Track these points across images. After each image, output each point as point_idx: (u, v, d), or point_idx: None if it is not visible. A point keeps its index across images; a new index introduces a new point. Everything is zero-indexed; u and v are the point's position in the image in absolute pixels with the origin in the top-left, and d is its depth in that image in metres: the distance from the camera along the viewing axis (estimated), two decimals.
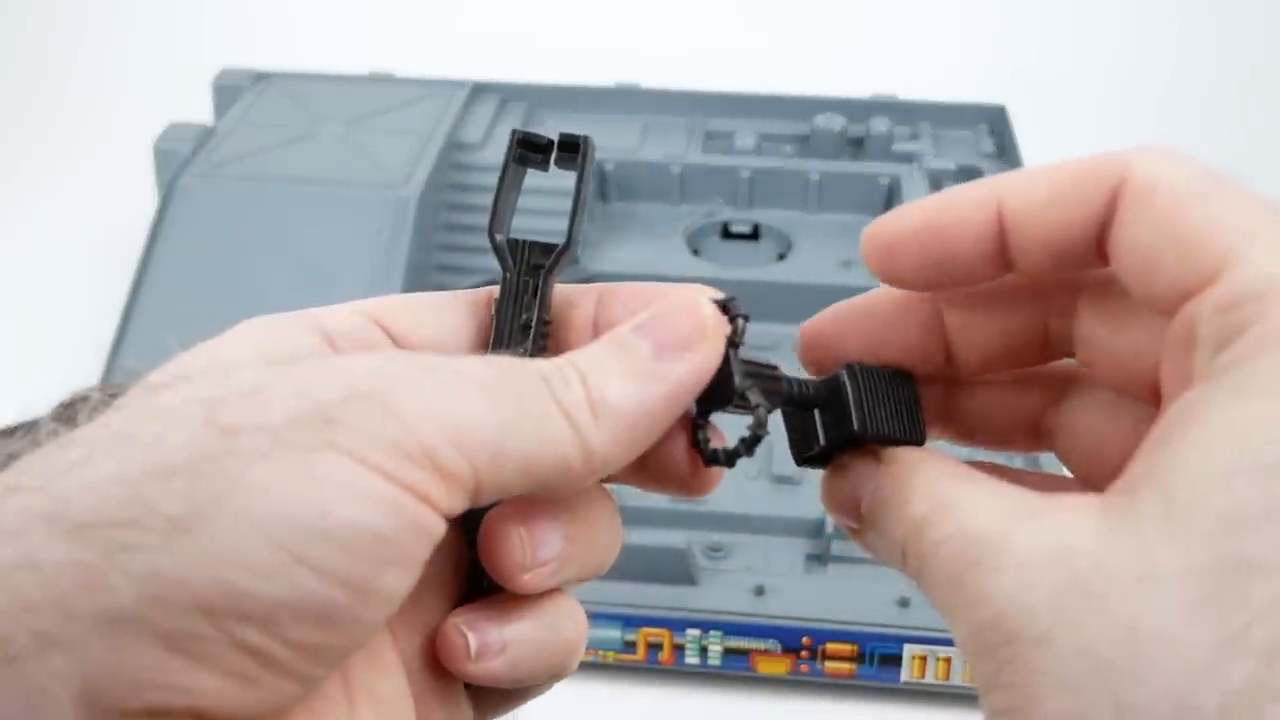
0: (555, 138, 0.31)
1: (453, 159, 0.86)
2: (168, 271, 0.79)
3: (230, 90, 0.94)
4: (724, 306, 0.28)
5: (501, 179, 0.31)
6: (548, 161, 0.31)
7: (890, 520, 0.27)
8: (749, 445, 0.29)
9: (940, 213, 0.28)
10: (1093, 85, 1.20)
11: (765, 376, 0.29)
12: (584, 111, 0.95)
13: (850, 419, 0.29)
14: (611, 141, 0.91)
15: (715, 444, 0.29)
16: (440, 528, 0.25)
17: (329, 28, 1.26)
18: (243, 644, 0.23)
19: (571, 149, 0.31)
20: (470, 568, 0.30)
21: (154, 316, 0.77)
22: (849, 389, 0.29)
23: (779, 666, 0.64)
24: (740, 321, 0.29)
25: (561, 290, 0.31)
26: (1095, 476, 0.29)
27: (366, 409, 0.24)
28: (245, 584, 0.23)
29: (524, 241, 0.30)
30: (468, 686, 0.30)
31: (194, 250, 0.80)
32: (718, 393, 0.28)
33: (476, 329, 0.31)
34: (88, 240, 0.98)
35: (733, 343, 0.29)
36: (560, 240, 0.30)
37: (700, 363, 0.27)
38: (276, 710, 0.24)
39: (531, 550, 0.28)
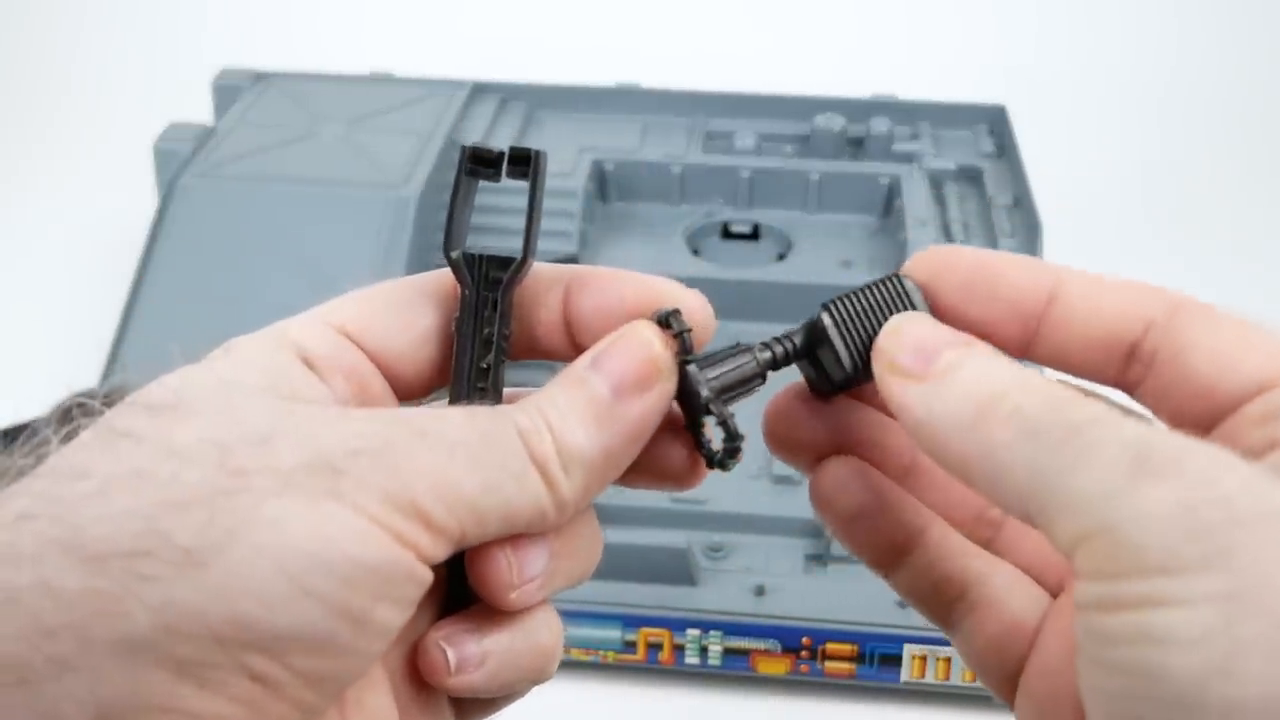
0: (506, 150, 0.31)
1: (453, 159, 0.85)
2: (168, 271, 0.79)
3: (230, 90, 0.94)
4: (665, 323, 0.29)
5: (454, 194, 0.31)
6: (499, 174, 0.31)
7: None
8: (729, 455, 0.29)
9: (998, 259, 0.29)
10: (1093, 85, 1.20)
11: (733, 366, 0.30)
12: (584, 111, 0.95)
13: (841, 362, 0.29)
14: (611, 141, 0.91)
15: (715, 445, 0.30)
16: (428, 575, 0.26)
17: (329, 28, 1.26)
18: (251, 671, 0.24)
19: (523, 162, 0.31)
20: (448, 583, 0.30)
21: (154, 316, 0.77)
22: (830, 330, 0.29)
23: (779, 666, 0.64)
24: (685, 337, 0.29)
25: (525, 284, 0.31)
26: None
27: (370, 465, 0.26)
28: (257, 614, 0.24)
29: (481, 256, 0.30)
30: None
31: (194, 250, 0.80)
32: (688, 408, 0.29)
33: (443, 326, 0.31)
34: (88, 240, 0.98)
35: (686, 359, 0.29)
36: (517, 254, 0.30)
37: (655, 401, 0.29)
38: None
39: (519, 570, 0.29)
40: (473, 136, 0.88)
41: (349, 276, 0.86)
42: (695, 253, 0.85)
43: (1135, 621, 0.22)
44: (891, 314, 0.29)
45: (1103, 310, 0.28)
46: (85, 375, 0.75)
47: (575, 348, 0.31)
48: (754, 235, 0.87)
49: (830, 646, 0.63)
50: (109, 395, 0.27)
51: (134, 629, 0.23)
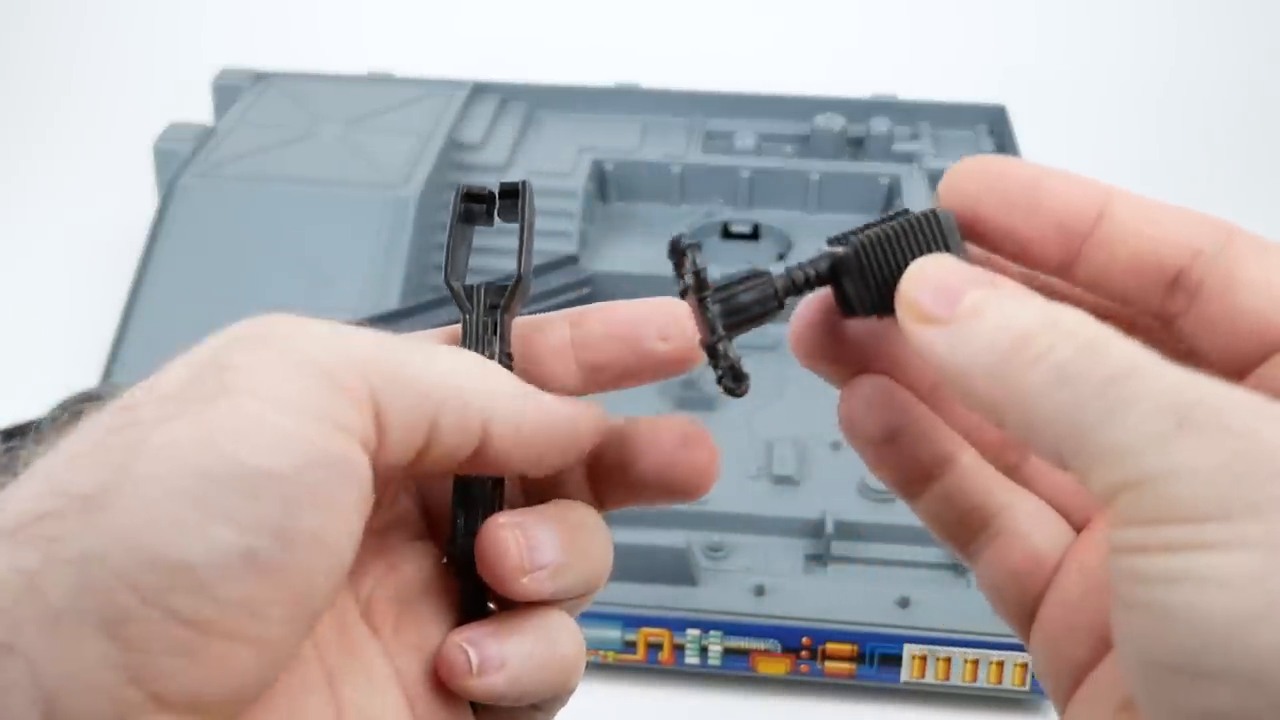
0: (495, 189, 0.33)
1: (453, 159, 0.86)
2: (168, 271, 0.79)
3: (230, 90, 0.94)
4: (683, 253, 0.29)
5: (450, 234, 0.33)
6: (491, 215, 0.33)
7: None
8: (734, 381, 0.29)
9: (1048, 174, 0.28)
10: (1093, 85, 1.20)
11: (747, 289, 0.29)
12: (584, 111, 0.95)
13: (862, 300, 0.29)
14: (611, 141, 0.91)
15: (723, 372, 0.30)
16: (354, 457, 0.25)
17: (329, 28, 1.26)
18: (176, 614, 0.23)
19: (511, 195, 0.33)
20: (464, 597, 0.31)
21: (154, 316, 0.77)
22: (853, 267, 0.28)
23: (779, 666, 0.64)
24: (691, 255, 0.29)
25: (527, 322, 0.32)
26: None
27: (256, 345, 0.25)
28: (162, 547, 0.23)
29: (480, 285, 0.32)
30: (474, 711, 0.31)
31: (194, 250, 0.80)
32: (703, 336, 0.29)
33: None
34: (88, 240, 0.98)
35: (699, 288, 0.29)
36: (511, 280, 0.32)
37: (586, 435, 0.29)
38: (243, 688, 0.24)
39: (529, 553, 0.29)
40: (473, 136, 0.88)
41: (349, 276, 0.86)
42: None
43: (1177, 564, 0.22)
44: (919, 253, 0.28)
45: (1151, 234, 0.27)
46: (85, 375, 0.75)
47: (584, 376, 0.31)
48: (754, 235, 0.87)
49: (830, 646, 0.63)
50: (109, 395, 0.27)
51: (54, 601, 0.23)
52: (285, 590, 0.24)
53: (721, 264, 0.83)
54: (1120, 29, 1.26)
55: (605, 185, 0.88)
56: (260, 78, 0.95)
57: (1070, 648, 0.29)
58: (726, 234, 0.87)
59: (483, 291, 0.32)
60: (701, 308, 0.29)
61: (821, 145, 0.92)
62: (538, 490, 0.32)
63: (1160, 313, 0.27)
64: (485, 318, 0.32)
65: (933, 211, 0.28)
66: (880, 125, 0.92)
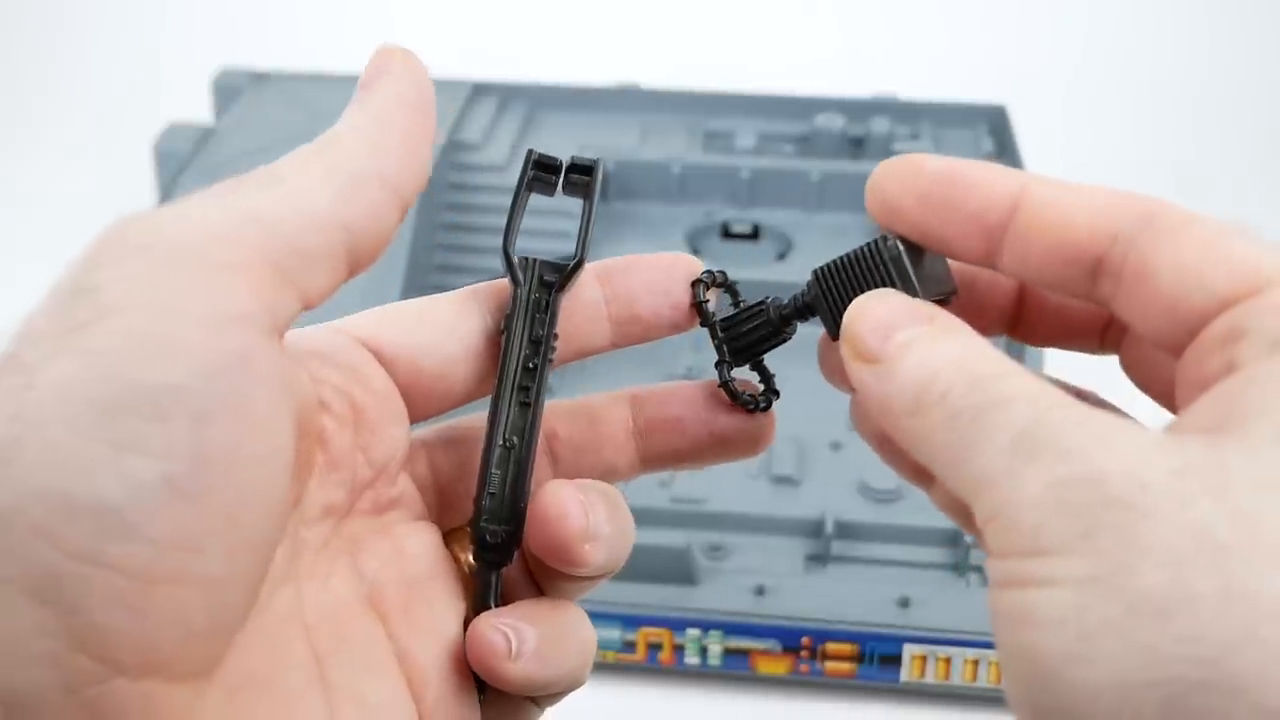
0: (566, 161, 0.33)
1: (453, 159, 0.86)
2: None
3: (230, 90, 0.94)
4: (707, 283, 0.33)
5: (515, 199, 0.32)
6: (556, 185, 0.33)
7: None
8: (749, 402, 0.33)
9: (962, 167, 0.28)
10: (1093, 85, 1.20)
11: (748, 321, 0.33)
12: (584, 111, 0.95)
13: (830, 331, 0.30)
14: (611, 141, 0.91)
15: (748, 390, 0.33)
16: (256, 347, 0.24)
17: (329, 28, 1.26)
18: (109, 564, 0.22)
19: (582, 171, 0.32)
20: (476, 596, 0.31)
21: None
22: (818, 300, 0.31)
23: (779, 666, 0.64)
24: (698, 290, 0.33)
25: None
26: (1159, 389, 0.28)
27: (117, 255, 0.24)
28: (78, 490, 0.22)
29: (534, 259, 0.31)
30: (480, 699, 0.31)
31: None
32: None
33: (478, 328, 0.31)
34: (88, 240, 0.98)
35: (704, 322, 0.32)
36: (569, 260, 0.32)
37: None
38: (197, 638, 0.23)
39: (592, 520, 0.29)
40: (473, 136, 0.88)
41: None
42: (695, 253, 0.85)
43: (1011, 600, 0.22)
44: (874, 282, 0.29)
45: (1065, 221, 0.26)
46: None
47: (619, 330, 0.32)
48: (754, 235, 0.87)
49: (830, 646, 0.63)
50: None
51: None
52: (216, 519, 0.23)
53: (722, 264, 0.83)
54: (1121, 29, 1.26)
55: (606, 185, 0.88)
56: (260, 78, 0.95)
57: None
58: (726, 234, 0.87)
59: (536, 266, 0.31)
60: (713, 339, 0.33)
61: (821, 145, 0.92)
62: (583, 446, 0.33)
63: (1090, 297, 0.27)
64: (538, 294, 0.31)
65: (881, 238, 0.29)
66: (880, 125, 0.92)
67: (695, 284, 0.33)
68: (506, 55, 1.11)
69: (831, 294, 0.30)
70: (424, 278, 0.79)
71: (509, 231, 0.32)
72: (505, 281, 0.32)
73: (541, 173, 0.32)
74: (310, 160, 0.28)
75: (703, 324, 0.33)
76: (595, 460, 0.32)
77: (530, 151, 0.32)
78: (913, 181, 0.28)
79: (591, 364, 0.68)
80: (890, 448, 0.30)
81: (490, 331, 0.31)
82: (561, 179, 0.32)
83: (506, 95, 0.95)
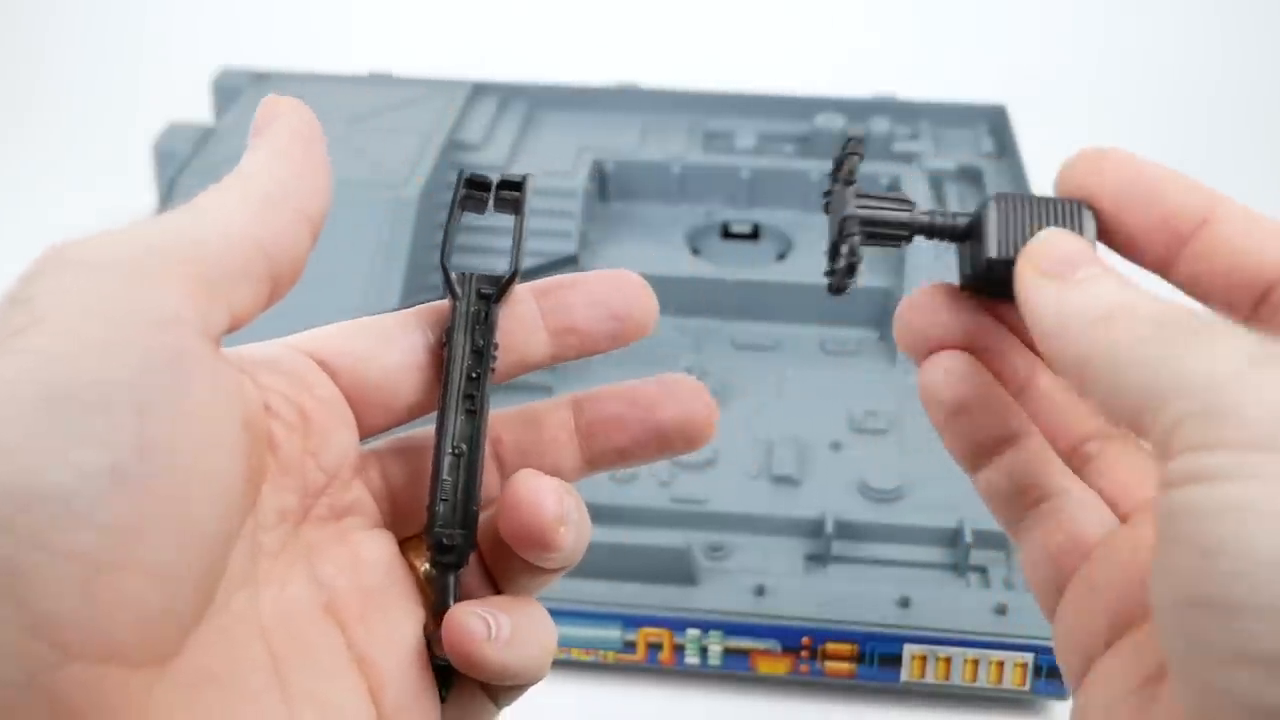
0: (496, 179, 0.34)
1: (453, 159, 0.86)
2: None
3: (230, 90, 0.94)
4: (842, 150, 0.33)
5: (449, 217, 0.33)
6: (487, 203, 0.34)
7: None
8: (846, 276, 0.32)
9: (1165, 175, 0.30)
10: (1093, 85, 1.20)
11: (892, 208, 0.32)
12: (584, 111, 0.95)
13: (986, 247, 0.30)
14: (611, 141, 0.91)
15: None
16: (190, 345, 0.25)
17: (329, 28, 1.26)
18: (59, 550, 0.22)
19: (511, 188, 0.34)
20: (435, 600, 0.31)
21: None
22: (992, 217, 0.30)
23: (779, 666, 0.64)
24: (853, 159, 0.32)
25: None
26: None
27: (52, 271, 0.25)
28: (31, 480, 0.22)
29: (471, 274, 0.33)
30: (443, 700, 0.31)
31: None
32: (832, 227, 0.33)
33: (420, 343, 0.33)
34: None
35: (847, 180, 0.32)
36: (505, 272, 0.33)
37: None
38: (150, 623, 0.24)
39: (565, 504, 0.30)
40: (473, 136, 0.88)
41: (349, 276, 0.86)
42: (695, 253, 0.85)
43: (1228, 492, 0.22)
44: (1057, 225, 0.30)
45: (1250, 246, 0.28)
46: None
47: (557, 341, 0.33)
48: (754, 235, 0.87)
49: (830, 646, 0.63)
50: None
51: None
52: (161, 505, 0.24)
53: (721, 264, 0.83)
54: (1121, 29, 1.26)
55: (605, 185, 0.88)
56: (260, 78, 0.95)
57: (1085, 630, 0.29)
58: (726, 234, 0.87)
59: (473, 280, 0.33)
60: (842, 203, 0.32)
61: (822, 145, 0.92)
62: (528, 449, 0.33)
63: (1248, 321, 0.28)
64: (476, 306, 0.32)
65: (1080, 202, 0.30)
66: (880, 125, 0.92)
67: (846, 157, 0.33)
68: (506, 55, 1.11)
69: (1009, 219, 0.30)
70: (424, 278, 0.79)
71: (445, 248, 0.33)
72: (445, 303, 0.33)
73: (474, 190, 0.34)
74: (224, 191, 0.29)
75: (834, 179, 0.33)
76: (539, 463, 0.33)
77: (461, 170, 0.34)
78: (1114, 175, 0.30)
79: (592, 365, 0.68)
80: (959, 423, 0.32)
81: (433, 346, 0.33)
82: (493, 196, 0.34)
83: (506, 95, 0.95)
